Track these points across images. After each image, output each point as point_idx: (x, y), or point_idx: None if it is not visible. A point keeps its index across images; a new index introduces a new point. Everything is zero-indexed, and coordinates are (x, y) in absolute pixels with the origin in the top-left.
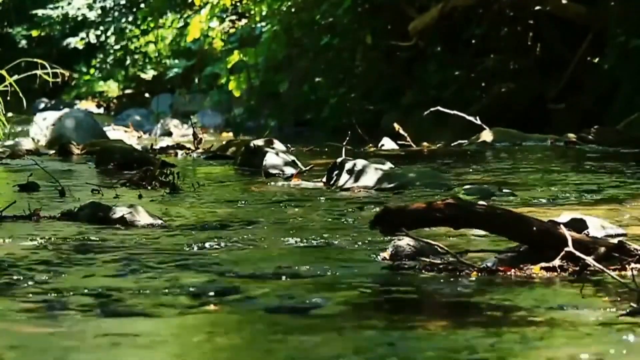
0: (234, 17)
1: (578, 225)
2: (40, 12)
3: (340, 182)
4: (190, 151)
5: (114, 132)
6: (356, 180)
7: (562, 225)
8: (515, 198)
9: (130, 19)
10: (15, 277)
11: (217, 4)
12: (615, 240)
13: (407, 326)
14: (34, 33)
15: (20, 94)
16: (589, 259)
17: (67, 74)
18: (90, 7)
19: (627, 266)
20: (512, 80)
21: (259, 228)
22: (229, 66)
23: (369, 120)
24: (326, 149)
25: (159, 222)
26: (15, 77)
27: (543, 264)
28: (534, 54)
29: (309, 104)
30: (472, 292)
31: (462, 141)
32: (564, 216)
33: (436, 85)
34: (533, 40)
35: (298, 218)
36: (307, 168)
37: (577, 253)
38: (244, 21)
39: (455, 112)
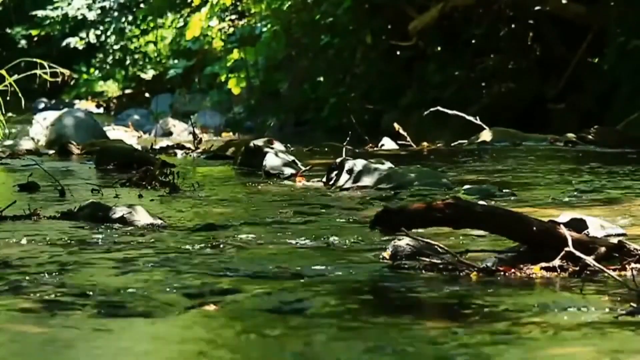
0: (233, 17)
1: (578, 225)
2: (40, 12)
3: (340, 182)
4: (190, 151)
5: (114, 132)
6: (356, 180)
7: (562, 225)
8: (515, 198)
9: (130, 18)
10: (14, 277)
11: (217, 3)
12: (615, 240)
13: (406, 326)
14: (34, 33)
15: (20, 94)
16: (589, 259)
17: (67, 73)
18: (90, 8)
19: (627, 266)
20: (512, 80)
21: (259, 228)
22: (229, 64)
23: (368, 120)
24: (326, 149)
25: (159, 222)
26: (15, 77)
27: (543, 264)
28: (534, 54)
29: (309, 103)
30: (472, 292)
31: (462, 141)
32: (564, 216)
33: (436, 85)
34: (533, 40)
35: (298, 218)
36: (307, 168)
37: (577, 253)
38: (244, 20)
39: (455, 112)
